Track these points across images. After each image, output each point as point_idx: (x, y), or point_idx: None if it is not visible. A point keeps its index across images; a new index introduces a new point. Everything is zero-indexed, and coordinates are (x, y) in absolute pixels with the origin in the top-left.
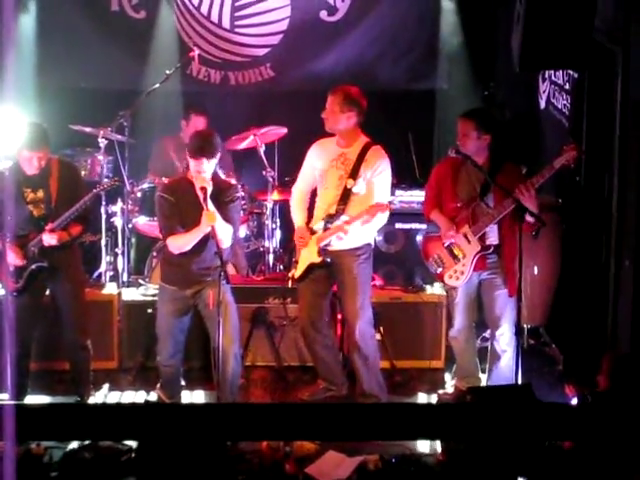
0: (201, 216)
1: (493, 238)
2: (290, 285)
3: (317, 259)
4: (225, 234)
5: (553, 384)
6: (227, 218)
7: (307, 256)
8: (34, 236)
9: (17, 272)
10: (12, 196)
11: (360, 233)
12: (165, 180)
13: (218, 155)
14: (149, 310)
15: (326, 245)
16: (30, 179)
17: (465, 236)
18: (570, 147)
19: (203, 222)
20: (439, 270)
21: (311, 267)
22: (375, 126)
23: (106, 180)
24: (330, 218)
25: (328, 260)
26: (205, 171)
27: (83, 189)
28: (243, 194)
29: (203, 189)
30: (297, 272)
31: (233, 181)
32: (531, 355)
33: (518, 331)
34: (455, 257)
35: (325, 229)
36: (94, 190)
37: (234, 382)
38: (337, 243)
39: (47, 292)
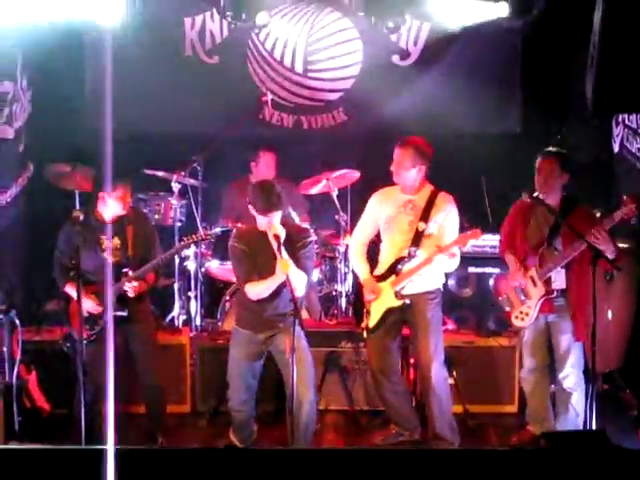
0: (275, 264)
1: (560, 282)
2: (366, 336)
3: (396, 302)
4: (299, 282)
5: (628, 430)
6: (299, 265)
7: (382, 302)
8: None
9: (92, 320)
10: (87, 242)
11: (433, 276)
12: (239, 225)
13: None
14: (222, 355)
15: (401, 288)
16: (106, 226)
17: (532, 279)
18: (629, 200)
19: (278, 271)
20: (507, 309)
21: (388, 313)
22: (448, 169)
23: (192, 235)
24: (402, 261)
25: (407, 302)
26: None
27: (156, 238)
28: (315, 238)
29: (277, 237)
30: (372, 321)
31: (305, 225)
32: (605, 400)
33: (590, 375)
34: (522, 299)
35: (397, 273)
36: (182, 242)
37: (308, 428)
38: (410, 287)
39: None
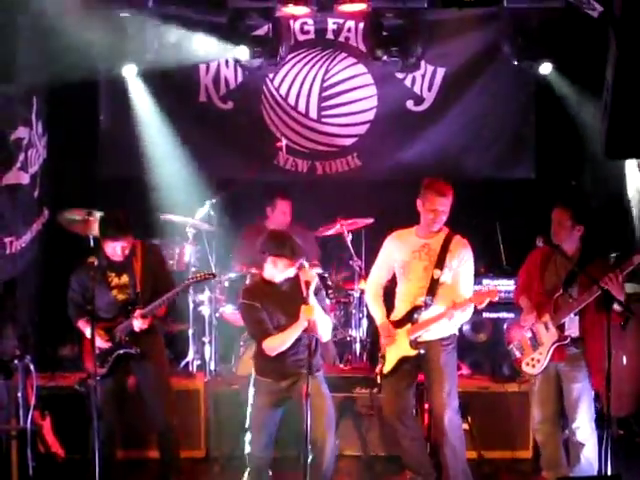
0: (291, 313)
1: (573, 329)
2: (379, 381)
3: (411, 352)
4: (325, 327)
5: None
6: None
7: (397, 350)
8: (120, 320)
9: (101, 356)
10: (97, 280)
11: (447, 323)
12: (252, 271)
13: None
14: (237, 400)
15: (416, 337)
16: (114, 264)
17: (545, 324)
18: None
19: (302, 317)
20: (518, 355)
21: (403, 360)
22: (462, 215)
23: (199, 272)
24: (418, 309)
25: (422, 352)
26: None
27: (167, 272)
28: (320, 284)
29: (307, 283)
30: (386, 367)
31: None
32: (620, 445)
33: (604, 422)
34: (534, 345)
35: (413, 321)
36: (186, 281)
37: (327, 473)
38: (425, 333)
39: (130, 377)
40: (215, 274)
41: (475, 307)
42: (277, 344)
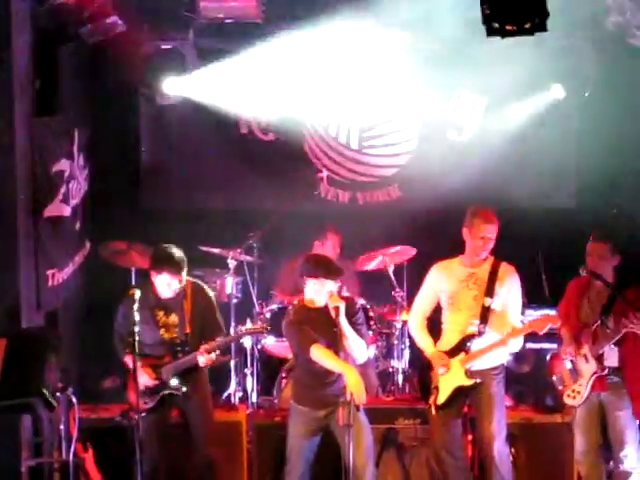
0: (331, 339)
1: (612, 360)
2: (434, 412)
3: (467, 381)
4: (359, 349)
5: None
6: (358, 333)
7: (452, 380)
8: (168, 359)
9: (147, 393)
10: (144, 318)
11: (497, 352)
12: (294, 302)
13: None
14: (279, 432)
15: (471, 366)
16: (163, 302)
17: (584, 356)
18: None
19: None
20: (560, 388)
21: (457, 391)
22: (504, 244)
23: (251, 326)
24: (470, 338)
25: (478, 381)
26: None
27: (216, 316)
28: (360, 306)
29: (337, 309)
30: (440, 398)
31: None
32: None
33: None
34: (574, 376)
35: (466, 350)
36: (239, 332)
37: None
38: (477, 363)
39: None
40: (268, 329)
41: (535, 334)
42: (321, 355)
